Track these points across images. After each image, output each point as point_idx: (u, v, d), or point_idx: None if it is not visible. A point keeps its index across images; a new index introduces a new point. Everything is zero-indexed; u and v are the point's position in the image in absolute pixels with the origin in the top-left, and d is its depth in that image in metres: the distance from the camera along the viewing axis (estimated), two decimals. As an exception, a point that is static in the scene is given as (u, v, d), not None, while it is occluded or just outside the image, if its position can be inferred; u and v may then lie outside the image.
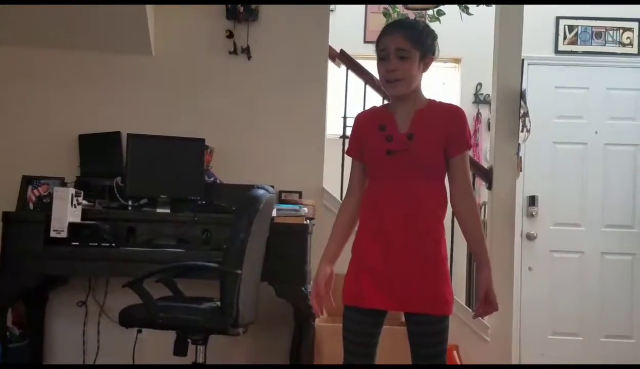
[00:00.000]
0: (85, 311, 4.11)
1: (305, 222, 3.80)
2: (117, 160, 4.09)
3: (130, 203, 3.93)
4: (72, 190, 3.63)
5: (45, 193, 3.87)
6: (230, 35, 4.28)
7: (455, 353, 4.16)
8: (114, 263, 3.58)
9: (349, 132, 4.72)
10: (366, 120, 2.45)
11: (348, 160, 4.44)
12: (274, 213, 3.65)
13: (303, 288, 3.63)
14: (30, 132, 4.22)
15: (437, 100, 2.40)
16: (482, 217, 4.90)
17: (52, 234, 3.55)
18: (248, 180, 3.80)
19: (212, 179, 4.09)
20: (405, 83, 2.27)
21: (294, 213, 3.79)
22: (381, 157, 2.32)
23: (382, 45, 2.28)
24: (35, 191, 3.90)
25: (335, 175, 4.48)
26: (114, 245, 3.61)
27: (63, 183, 3.92)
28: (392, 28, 2.31)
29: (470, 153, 2.49)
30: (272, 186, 3.51)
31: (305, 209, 3.85)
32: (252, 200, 3.27)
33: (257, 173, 4.11)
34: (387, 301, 2.33)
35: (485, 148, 5.45)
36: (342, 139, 4.63)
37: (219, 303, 3.19)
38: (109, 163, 4.10)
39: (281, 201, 3.97)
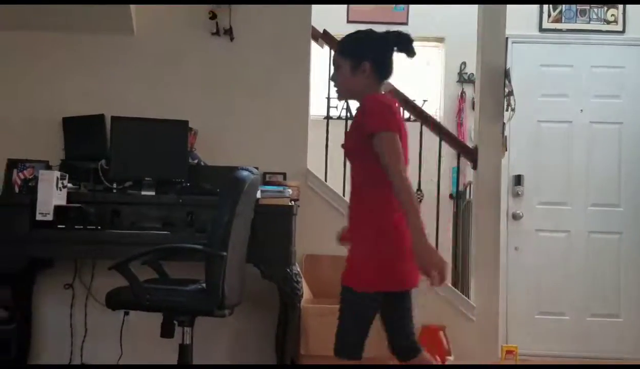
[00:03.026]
0: (72, 294, 4.11)
1: (290, 204, 3.80)
2: (101, 142, 4.08)
3: (115, 185, 3.93)
4: (57, 173, 3.62)
5: (30, 177, 3.86)
6: (213, 16, 4.26)
7: (441, 333, 4.20)
8: (100, 246, 3.59)
9: (332, 112, 4.80)
10: None
11: (332, 141, 4.52)
12: (259, 194, 3.65)
13: (288, 269, 3.64)
14: (14, 115, 4.20)
15: (370, 94, 2.50)
16: (468, 197, 4.93)
17: (38, 217, 3.54)
18: (232, 162, 3.80)
19: (196, 161, 4.08)
20: (342, 90, 2.57)
21: (279, 195, 3.80)
22: None
23: None
24: (20, 174, 3.88)
25: (319, 156, 4.49)
26: (99, 227, 3.61)
27: (48, 166, 3.91)
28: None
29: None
30: (257, 168, 3.49)
31: (290, 190, 3.85)
32: (236, 181, 3.27)
33: (241, 155, 4.11)
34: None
35: (469, 128, 5.46)
36: (326, 120, 4.64)
37: (204, 285, 3.20)
38: (93, 145, 4.09)
39: (265, 183, 3.97)
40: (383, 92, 2.59)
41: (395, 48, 2.55)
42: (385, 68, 2.55)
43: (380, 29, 5.67)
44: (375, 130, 2.39)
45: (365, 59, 2.50)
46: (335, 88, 2.60)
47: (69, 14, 4.12)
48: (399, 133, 2.43)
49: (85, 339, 4.10)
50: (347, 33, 2.64)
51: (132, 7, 4.18)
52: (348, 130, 2.62)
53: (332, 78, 2.60)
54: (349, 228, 2.62)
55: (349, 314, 2.51)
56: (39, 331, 4.12)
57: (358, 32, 2.61)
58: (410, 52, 2.53)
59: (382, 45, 2.53)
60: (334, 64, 2.55)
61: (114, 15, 4.16)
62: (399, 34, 2.54)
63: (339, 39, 2.74)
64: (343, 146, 2.63)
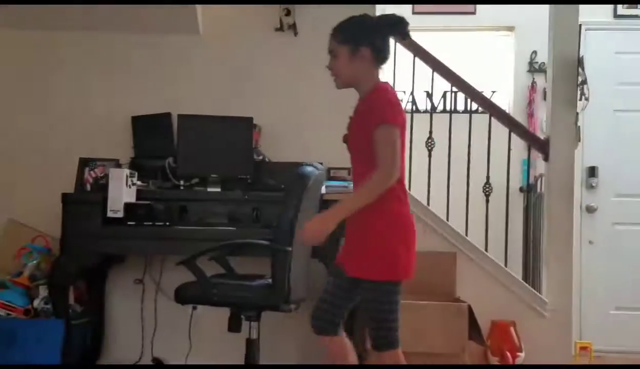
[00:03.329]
0: (143, 289, 4.21)
1: (355, 198, 3.78)
2: (168, 140, 4.16)
3: (182, 183, 4.00)
4: (126, 171, 3.71)
5: (101, 175, 3.96)
6: (287, 12, 4.26)
7: (512, 328, 4.10)
8: (168, 242, 3.66)
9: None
10: None
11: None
12: (323, 189, 3.64)
13: (354, 265, 3.62)
14: (86, 115, 4.32)
15: (381, 83, 2.53)
16: (539, 190, 4.79)
17: (109, 214, 3.64)
18: (296, 158, 3.81)
19: (260, 157, 4.11)
20: (338, 78, 2.54)
21: (343, 190, 3.78)
22: None
23: None
24: (91, 172, 3.99)
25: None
26: (167, 223, 3.67)
27: (118, 165, 4.01)
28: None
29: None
30: (321, 163, 3.50)
31: (355, 185, 3.82)
32: (301, 177, 3.27)
33: (305, 151, 4.12)
34: None
35: (541, 119, 5.31)
36: (392, 113, 4.58)
37: (270, 280, 3.22)
38: (161, 143, 4.17)
39: (330, 178, 3.95)
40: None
41: (390, 32, 2.53)
42: (384, 53, 2.53)
43: (447, 19, 5.62)
44: (382, 121, 2.40)
45: (364, 44, 2.47)
46: (333, 77, 2.55)
47: (137, 16, 4.21)
48: (401, 130, 2.45)
49: (155, 333, 4.19)
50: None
51: (198, 7, 4.23)
52: (352, 123, 2.58)
53: (329, 66, 2.55)
54: (353, 218, 2.56)
55: (388, 305, 2.52)
56: (111, 324, 4.23)
57: (353, 18, 2.57)
58: (406, 35, 2.53)
59: (378, 29, 2.50)
60: (330, 52, 2.51)
61: (180, 16, 4.22)
62: (393, 17, 2.51)
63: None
64: (345, 140, 2.60)
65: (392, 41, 4.45)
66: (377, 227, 2.48)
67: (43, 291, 3.75)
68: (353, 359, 2.79)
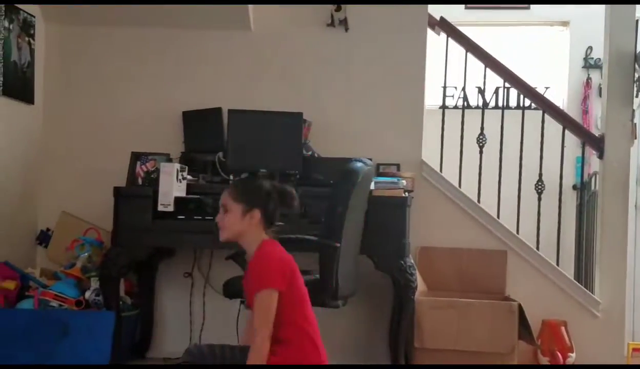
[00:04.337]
0: (191, 282, 4.25)
1: (404, 195, 3.75)
2: (218, 135, 4.18)
3: (231, 177, 4.01)
4: (177, 166, 3.74)
5: (152, 169, 4.00)
6: (338, 8, 4.25)
7: (563, 328, 4.02)
8: (217, 236, 3.66)
9: (449, 102, 4.69)
10: None
11: (448, 131, 4.42)
12: (372, 186, 3.62)
13: (402, 261, 3.60)
14: (138, 110, 4.37)
15: (263, 243, 2.57)
16: (593, 188, 4.68)
17: (160, 208, 3.67)
18: (346, 153, 3.79)
19: (310, 153, 4.10)
20: (225, 231, 2.60)
21: (393, 186, 3.75)
22: None
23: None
24: (143, 167, 4.03)
25: (435, 146, 4.39)
26: (216, 218, 3.69)
27: (169, 159, 4.04)
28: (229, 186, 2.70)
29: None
30: (370, 159, 3.48)
31: (404, 182, 3.80)
32: (350, 173, 3.26)
33: (354, 146, 4.09)
34: None
35: (596, 116, 5.20)
36: (441, 110, 4.53)
37: (318, 276, 3.22)
38: (211, 138, 4.19)
39: (379, 174, 3.93)
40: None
41: (281, 201, 2.63)
42: (271, 218, 2.61)
43: (500, 13, 5.52)
44: (259, 288, 2.47)
45: (256, 206, 2.57)
46: (220, 229, 2.62)
47: (189, 12, 4.23)
48: (286, 281, 2.50)
49: (204, 326, 4.22)
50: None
51: (250, 4, 4.25)
52: (245, 281, 2.64)
53: (217, 219, 2.63)
54: None
55: None
56: (161, 317, 4.28)
57: (249, 182, 2.84)
58: (292, 208, 2.65)
59: (271, 197, 2.61)
60: (222, 207, 2.60)
61: (231, 13, 4.24)
62: (284, 191, 2.62)
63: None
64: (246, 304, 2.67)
65: (443, 36, 4.46)
66: None
67: (94, 283, 3.81)
68: None
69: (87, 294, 3.79)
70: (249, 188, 2.66)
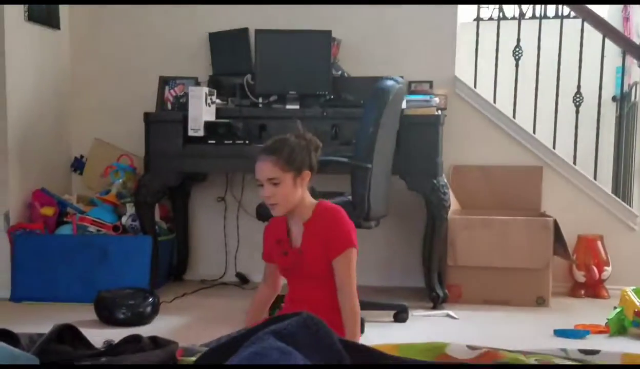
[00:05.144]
0: (225, 206, 4.27)
1: (436, 113, 3.68)
2: (246, 57, 4.11)
3: (260, 100, 3.97)
4: (205, 89, 3.71)
5: (181, 93, 3.99)
6: None
7: (599, 242, 3.98)
8: (248, 160, 3.64)
9: (483, 13, 4.51)
10: (269, 233, 2.68)
11: (482, 45, 4.28)
12: (404, 104, 3.55)
13: (435, 181, 3.57)
14: (163, 33, 4.30)
15: (322, 202, 2.52)
16: (633, 99, 4.54)
17: (190, 133, 3.67)
18: (376, 72, 3.71)
19: (339, 72, 4.02)
20: (283, 205, 2.45)
21: (425, 104, 3.68)
22: (281, 270, 2.61)
23: (257, 175, 2.46)
24: (172, 91, 4.02)
25: (468, 62, 4.27)
26: (247, 142, 3.68)
27: (197, 83, 4.01)
28: (263, 155, 2.45)
29: None
30: (401, 77, 3.41)
31: (437, 99, 3.73)
32: (380, 92, 3.20)
33: (385, 64, 4.00)
34: None
35: (637, 23, 4.97)
36: (475, 22, 4.38)
37: (350, 197, 3.21)
38: (239, 60, 4.12)
39: (411, 92, 3.85)
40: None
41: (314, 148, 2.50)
42: (315, 170, 2.51)
43: None
44: (350, 245, 2.43)
45: (307, 168, 2.46)
46: (271, 204, 2.45)
47: None
48: None
49: (238, 249, 4.27)
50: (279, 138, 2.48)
51: None
52: (306, 253, 2.48)
53: (265, 195, 2.44)
54: None
55: None
56: (196, 241, 4.34)
57: (283, 145, 2.44)
58: (319, 146, 2.52)
59: (308, 149, 2.47)
60: (269, 181, 2.41)
61: None
62: (306, 136, 2.48)
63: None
64: (287, 269, 2.57)
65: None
66: None
67: (130, 209, 3.86)
68: None
69: (124, 219, 3.85)
70: (292, 151, 2.44)
